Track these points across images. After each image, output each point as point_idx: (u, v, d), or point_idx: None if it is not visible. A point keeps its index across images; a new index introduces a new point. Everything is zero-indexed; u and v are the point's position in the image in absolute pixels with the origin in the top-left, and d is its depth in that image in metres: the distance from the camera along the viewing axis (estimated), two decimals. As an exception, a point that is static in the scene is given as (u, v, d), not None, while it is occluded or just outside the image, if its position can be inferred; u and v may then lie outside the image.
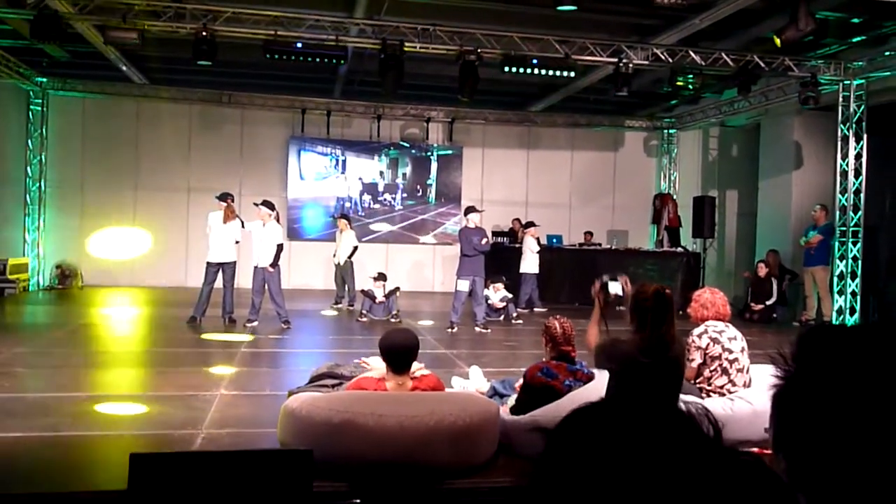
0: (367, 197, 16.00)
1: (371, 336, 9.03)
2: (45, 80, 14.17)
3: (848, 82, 11.43)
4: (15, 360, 7.07)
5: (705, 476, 0.71)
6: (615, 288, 4.05)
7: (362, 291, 11.31)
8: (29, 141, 14.38)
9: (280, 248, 9.75)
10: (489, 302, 10.92)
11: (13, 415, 5.06)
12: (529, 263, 12.41)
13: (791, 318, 12.52)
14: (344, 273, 12.22)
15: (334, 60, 10.31)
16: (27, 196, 14.40)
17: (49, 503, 3.46)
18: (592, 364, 3.93)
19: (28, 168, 14.39)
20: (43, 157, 14.48)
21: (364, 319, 10.79)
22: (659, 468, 0.71)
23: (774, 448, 0.96)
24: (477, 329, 10.00)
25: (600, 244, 15.25)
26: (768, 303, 12.33)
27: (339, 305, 12.21)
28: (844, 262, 11.57)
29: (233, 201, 10.12)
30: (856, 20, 10.24)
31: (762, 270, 12.52)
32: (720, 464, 0.73)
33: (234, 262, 9.94)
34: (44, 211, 14.59)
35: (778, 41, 9.24)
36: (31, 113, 14.38)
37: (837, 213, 11.69)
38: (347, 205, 15.62)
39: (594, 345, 3.82)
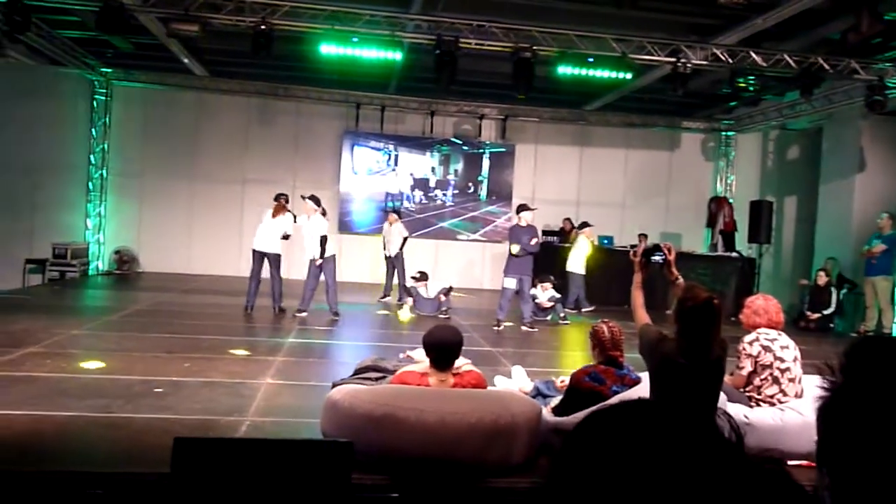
0: (417, 193, 16.05)
1: (416, 331, 9.08)
2: (109, 70, 14.60)
3: (917, 86, 11.03)
4: (72, 342, 7.30)
5: (723, 483, 0.68)
6: (657, 258, 3.97)
7: (404, 287, 11.39)
8: (92, 129, 14.83)
9: (324, 239, 9.82)
10: (536, 301, 10.85)
11: (68, 394, 5.22)
12: (576, 263, 12.30)
13: (849, 329, 12.14)
14: (395, 263, 12.28)
15: (389, 56, 10.38)
16: (89, 183, 14.85)
17: (96, 482, 3.55)
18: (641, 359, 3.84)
19: (91, 156, 14.83)
20: (105, 145, 14.92)
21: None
22: (675, 473, 0.69)
23: (818, 463, 0.92)
24: (523, 328, 9.94)
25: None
26: (826, 312, 11.98)
27: (387, 299, 12.26)
28: (908, 272, 11.17)
29: (286, 202, 10.28)
30: (928, 22, 9.86)
31: (822, 279, 12.17)
32: (740, 471, 0.70)
33: (279, 255, 10.10)
34: (105, 198, 15.03)
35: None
36: (95, 102, 14.82)
37: (903, 221, 11.30)
38: (406, 203, 15.68)
39: (641, 323, 3.73)
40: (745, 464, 0.70)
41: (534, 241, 9.82)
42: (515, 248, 9.73)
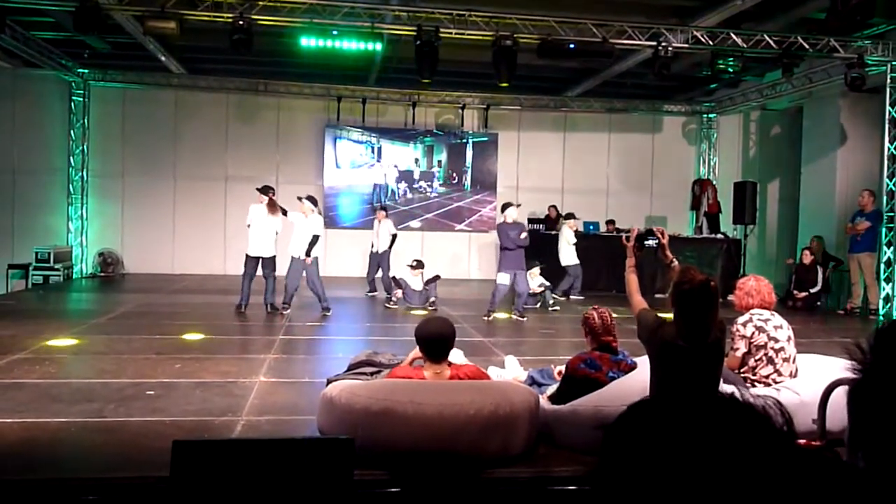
0: (402, 185, 16.00)
1: (408, 324, 9.05)
2: (86, 71, 14.42)
3: (896, 63, 11.10)
4: (59, 347, 7.21)
5: (779, 472, 0.67)
6: (651, 242, 4.00)
7: (393, 278, 11.36)
8: (71, 131, 14.64)
9: (315, 238, 9.78)
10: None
11: (58, 400, 5.15)
12: (568, 255, 12.33)
13: (835, 307, 12.25)
14: (381, 261, 12.22)
15: (370, 48, 10.31)
16: (70, 185, 14.68)
17: (94, 488, 3.50)
18: (636, 344, 3.83)
19: (71, 158, 14.65)
20: (85, 146, 14.75)
21: (393, 306, 10.83)
22: (729, 465, 0.67)
23: (851, 446, 0.90)
24: (514, 317, 9.94)
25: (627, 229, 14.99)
26: (812, 290, 12.07)
27: (374, 294, 12.21)
28: (892, 248, 11.27)
29: (274, 195, 10.16)
30: (905, -2, 9.92)
31: (807, 258, 12.26)
32: (796, 461, 0.69)
33: (274, 257, 10.02)
34: (86, 200, 14.87)
35: None
36: (73, 103, 14.63)
37: (885, 197, 11.38)
38: (389, 199, 15.63)
39: (639, 308, 3.72)
40: (801, 453, 0.68)
41: (523, 236, 9.79)
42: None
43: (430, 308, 10.66)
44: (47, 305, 10.88)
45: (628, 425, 0.73)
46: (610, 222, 15.16)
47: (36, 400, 5.15)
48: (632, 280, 3.88)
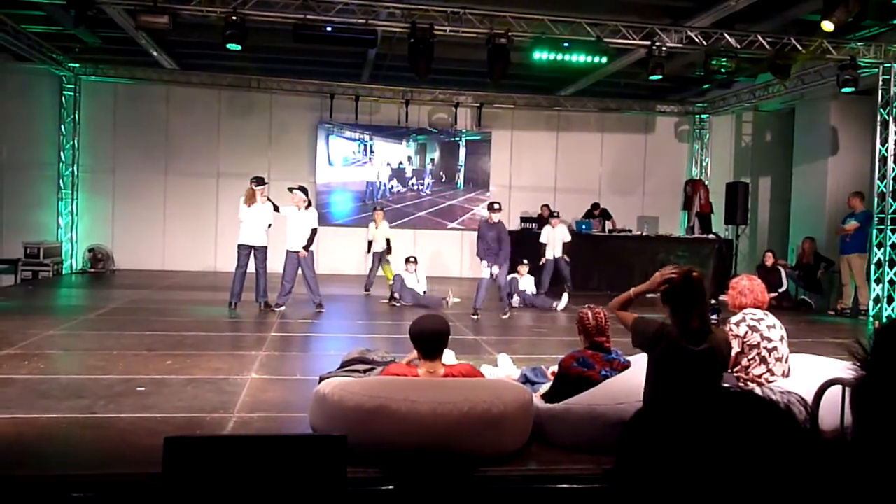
0: (394, 182, 15.98)
1: (401, 322, 9.04)
2: (77, 65, 14.32)
3: (888, 65, 11.14)
4: (48, 342, 7.16)
5: (803, 468, 0.66)
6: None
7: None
8: (62, 126, 14.56)
9: (315, 232, 9.80)
10: (520, 288, 10.98)
11: (47, 396, 5.11)
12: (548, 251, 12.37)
13: (826, 307, 12.30)
14: (381, 257, 12.20)
15: (363, 45, 10.27)
16: (60, 180, 14.60)
17: (84, 485, 3.48)
18: (629, 343, 3.82)
19: (61, 153, 14.56)
20: (75, 141, 14.67)
21: (396, 304, 10.83)
22: (753, 461, 0.66)
23: (854, 445, 0.90)
24: (503, 317, 9.95)
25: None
26: (780, 291, 12.06)
27: (369, 293, 12.18)
28: (882, 249, 11.32)
29: (256, 185, 10.04)
30: (897, 1, 9.96)
31: (769, 260, 12.51)
32: (819, 456, 0.68)
33: (266, 247, 9.96)
34: (76, 195, 14.78)
35: (827, 27, 8.93)
36: (63, 98, 14.55)
37: (875, 199, 11.43)
38: (381, 196, 15.61)
39: (632, 319, 3.72)
40: (825, 449, 0.68)
41: (499, 243, 9.81)
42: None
43: (445, 306, 10.62)
44: (37, 301, 10.80)
45: (650, 422, 0.72)
46: (595, 206, 15.14)
47: (25, 396, 5.11)
48: (626, 301, 3.84)
